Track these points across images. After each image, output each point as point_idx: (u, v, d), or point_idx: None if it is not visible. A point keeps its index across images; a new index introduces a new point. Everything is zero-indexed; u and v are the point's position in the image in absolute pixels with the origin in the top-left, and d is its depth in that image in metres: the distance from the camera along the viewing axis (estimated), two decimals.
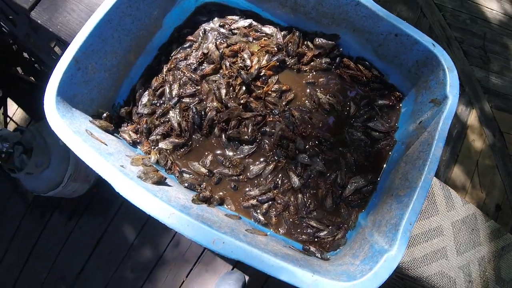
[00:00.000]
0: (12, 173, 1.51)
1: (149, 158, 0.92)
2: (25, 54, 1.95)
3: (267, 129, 0.99)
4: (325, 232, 0.93)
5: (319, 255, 0.89)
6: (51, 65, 1.65)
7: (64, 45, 1.26)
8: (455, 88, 0.87)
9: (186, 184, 0.93)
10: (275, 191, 0.95)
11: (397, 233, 0.76)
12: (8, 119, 2.06)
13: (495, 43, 2.25)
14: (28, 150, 1.54)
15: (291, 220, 0.95)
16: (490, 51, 2.21)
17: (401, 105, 1.04)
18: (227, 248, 0.71)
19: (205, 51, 1.04)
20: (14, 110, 2.07)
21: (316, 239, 0.94)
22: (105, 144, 0.86)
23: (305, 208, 0.95)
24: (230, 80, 1.01)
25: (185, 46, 1.08)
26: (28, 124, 2.04)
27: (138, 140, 0.99)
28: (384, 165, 0.99)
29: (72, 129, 0.79)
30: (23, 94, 2.07)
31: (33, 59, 1.97)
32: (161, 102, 1.03)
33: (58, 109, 0.80)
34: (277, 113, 1.00)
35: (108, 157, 0.79)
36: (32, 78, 2.00)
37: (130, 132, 0.98)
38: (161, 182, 0.84)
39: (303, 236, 0.94)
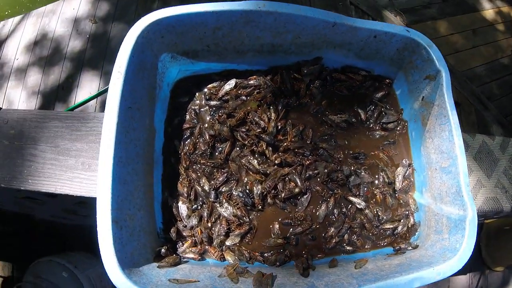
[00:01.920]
0: None
1: (236, 264, 0.89)
2: None
3: (311, 173, 1.01)
4: (401, 226, 1.02)
5: (410, 247, 0.99)
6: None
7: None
8: (442, 60, 0.97)
9: (277, 263, 0.93)
10: (347, 220, 1.01)
11: (463, 198, 0.88)
12: None
13: None
14: None
15: (370, 234, 1.02)
16: None
17: (394, 89, 1.13)
18: None
19: (212, 132, 0.99)
20: None
21: (396, 236, 1.03)
22: (198, 281, 0.82)
23: (376, 218, 1.03)
24: (253, 147, 0.99)
25: (186, 137, 1.02)
26: (12, 269, 1.78)
27: (203, 251, 0.95)
28: (410, 146, 1.10)
29: None
30: None
31: None
32: (201, 203, 0.98)
33: (135, 282, 0.73)
34: (309, 154, 1.02)
35: None
36: None
37: (192, 249, 0.93)
38: (273, 280, 0.84)
39: (386, 240, 1.02)
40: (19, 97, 1.99)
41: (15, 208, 1.42)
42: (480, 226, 2.02)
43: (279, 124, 1.01)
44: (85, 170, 1.02)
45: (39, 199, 1.34)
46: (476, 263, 2.00)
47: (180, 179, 0.99)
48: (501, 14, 2.56)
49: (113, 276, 0.72)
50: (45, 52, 2.06)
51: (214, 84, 1.05)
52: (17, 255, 1.80)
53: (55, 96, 1.97)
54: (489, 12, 2.53)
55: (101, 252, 0.73)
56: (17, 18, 2.17)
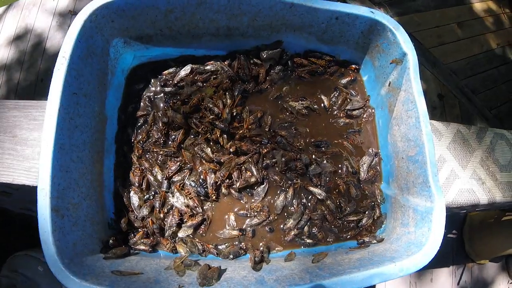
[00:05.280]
0: None
1: (184, 256, 0.86)
2: None
3: (268, 161, 0.97)
4: (365, 218, 0.98)
5: (375, 241, 0.94)
6: None
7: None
8: (409, 43, 0.92)
9: (231, 256, 0.89)
10: (307, 211, 0.96)
11: (430, 189, 0.83)
12: None
13: None
14: None
15: (333, 226, 0.97)
16: None
17: (361, 74, 1.08)
18: None
19: (165, 119, 0.95)
20: None
21: (361, 229, 0.98)
22: (141, 273, 0.78)
23: (338, 209, 0.98)
24: (207, 135, 0.95)
25: (139, 125, 0.98)
26: None
27: (155, 243, 0.91)
28: (377, 134, 1.05)
29: (106, 284, 0.70)
30: None
31: None
32: (153, 193, 0.94)
33: (74, 273, 0.70)
34: (267, 142, 0.98)
35: (164, 285, 0.73)
36: None
37: (143, 240, 0.90)
38: (220, 273, 0.80)
39: (350, 233, 0.98)
40: None
41: None
42: (463, 219, 1.97)
43: (234, 110, 0.97)
44: None
45: (5, 191, 1.31)
46: (460, 256, 1.96)
47: (133, 169, 0.95)
48: (487, 7, 2.50)
49: (52, 266, 0.69)
50: (25, 44, 2.05)
51: (170, 70, 1.01)
52: None
53: (33, 88, 1.95)
54: (474, 5, 2.48)
55: (40, 241, 0.70)
56: None
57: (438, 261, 1.91)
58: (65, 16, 2.08)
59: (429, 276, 1.87)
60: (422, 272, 1.89)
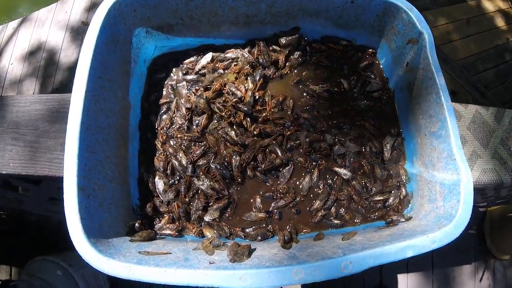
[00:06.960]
0: None
1: (213, 237, 0.84)
2: None
3: (292, 143, 0.97)
4: (392, 198, 0.96)
5: (403, 219, 0.92)
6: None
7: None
8: (424, 22, 0.93)
9: (259, 238, 0.88)
10: (333, 192, 0.95)
11: (456, 161, 0.82)
12: None
13: None
14: None
15: (360, 207, 0.96)
16: None
17: (378, 58, 1.09)
18: (358, 264, 0.70)
19: (189, 105, 0.96)
20: None
21: (388, 208, 0.97)
22: (169, 253, 0.77)
23: (364, 189, 0.97)
24: (231, 119, 0.96)
25: (162, 112, 0.99)
26: (10, 271, 1.75)
27: (181, 227, 0.90)
28: (398, 114, 1.05)
29: (135, 262, 0.69)
30: None
31: None
32: (178, 178, 0.94)
33: (101, 251, 0.68)
34: (290, 124, 0.98)
35: (194, 263, 0.71)
36: None
37: (169, 225, 0.89)
38: (251, 251, 0.79)
39: (377, 213, 0.96)
40: None
41: (3, 203, 1.39)
42: (483, 215, 1.94)
43: (257, 94, 0.98)
44: (64, 150, 1.00)
45: (24, 188, 1.31)
46: (481, 252, 1.92)
47: (157, 154, 0.96)
48: (494, 2, 2.54)
49: (77, 244, 0.68)
50: (40, 56, 2.10)
51: (191, 59, 1.03)
52: (13, 256, 1.77)
53: None
54: (482, 2, 2.52)
55: (66, 219, 0.69)
56: (11, 24, 2.22)
57: (460, 259, 1.86)
58: (78, 27, 2.15)
59: (451, 274, 1.82)
60: (443, 270, 1.85)
